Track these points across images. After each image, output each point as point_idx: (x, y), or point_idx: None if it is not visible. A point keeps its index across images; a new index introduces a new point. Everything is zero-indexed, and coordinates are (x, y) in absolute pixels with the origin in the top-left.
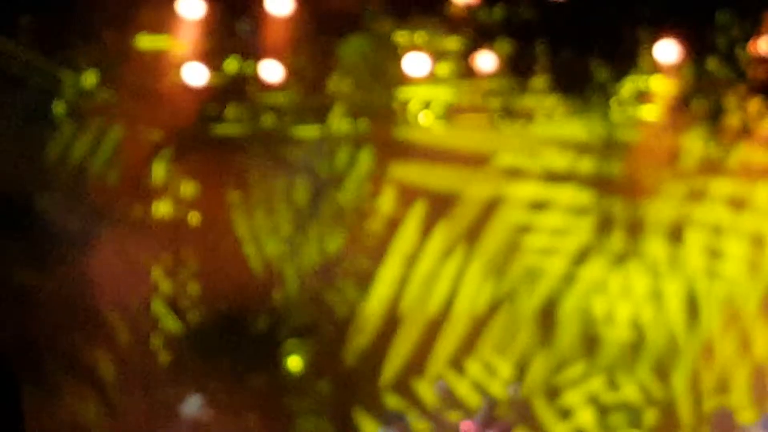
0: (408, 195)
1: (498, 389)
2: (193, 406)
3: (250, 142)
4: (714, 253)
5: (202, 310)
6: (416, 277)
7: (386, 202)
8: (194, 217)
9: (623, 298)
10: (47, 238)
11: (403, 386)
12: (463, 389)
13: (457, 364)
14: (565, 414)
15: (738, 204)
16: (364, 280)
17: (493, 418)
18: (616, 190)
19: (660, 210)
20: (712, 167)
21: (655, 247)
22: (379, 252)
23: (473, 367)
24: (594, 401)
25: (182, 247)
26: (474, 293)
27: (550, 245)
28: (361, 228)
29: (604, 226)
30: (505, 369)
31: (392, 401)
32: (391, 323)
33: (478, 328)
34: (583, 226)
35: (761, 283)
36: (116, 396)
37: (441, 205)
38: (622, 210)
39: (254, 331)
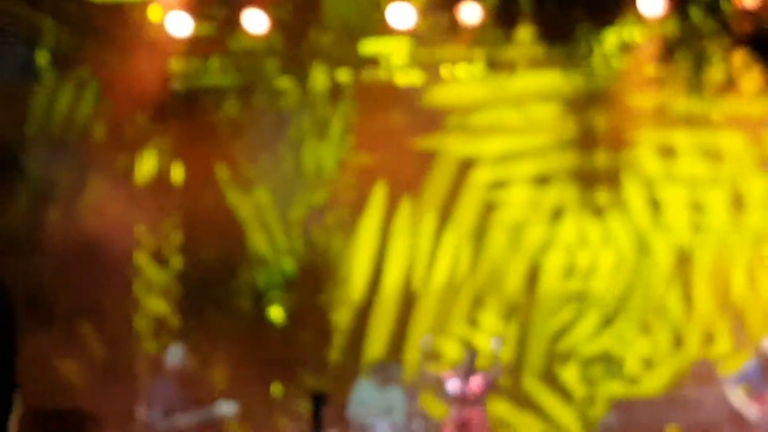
0: (390, 147)
1: (482, 343)
2: (175, 356)
3: (234, 92)
4: (695, 206)
5: (185, 261)
6: (398, 232)
7: (367, 154)
8: (177, 169)
9: (605, 250)
10: (32, 191)
11: (390, 347)
12: (450, 347)
13: (441, 324)
14: (549, 367)
15: (719, 156)
16: (347, 233)
17: (474, 369)
18: (598, 141)
19: (641, 162)
20: (694, 119)
21: (636, 198)
22: (360, 205)
23: (459, 326)
24: (576, 354)
25: (166, 199)
26: (455, 252)
27: (530, 199)
28: (343, 180)
29: (586, 178)
30: (490, 324)
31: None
32: (377, 280)
33: (459, 288)
34: (564, 179)
35: (743, 234)
36: (100, 348)
37: (422, 158)
38: (603, 162)
39: (237, 282)
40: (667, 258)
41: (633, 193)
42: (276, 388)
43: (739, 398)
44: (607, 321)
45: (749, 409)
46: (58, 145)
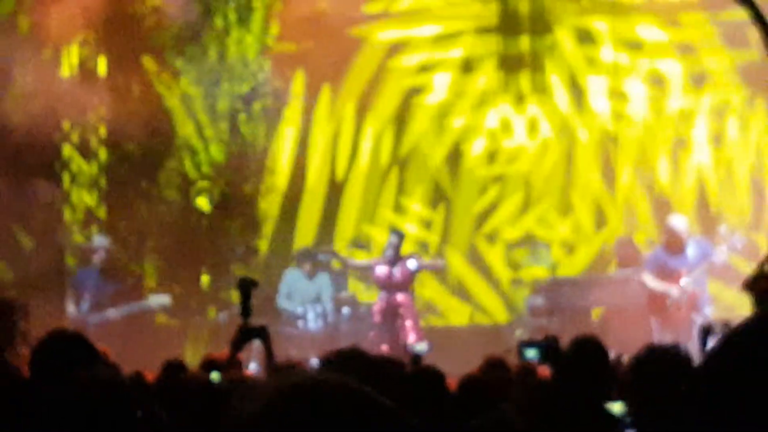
0: (307, 29)
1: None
2: (99, 246)
3: None
4: (616, 94)
5: (112, 153)
6: (319, 121)
7: (289, 41)
8: (103, 61)
9: (528, 134)
10: None
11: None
12: (377, 235)
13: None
14: (475, 250)
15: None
16: (272, 121)
17: (400, 255)
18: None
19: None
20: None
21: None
22: (285, 91)
23: (386, 213)
24: (500, 237)
25: (92, 91)
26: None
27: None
28: (266, 69)
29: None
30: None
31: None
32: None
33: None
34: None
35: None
36: (29, 242)
37: (346, 46)
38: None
39: (165, 173)
40: (590, 142)
41: (556, 78)
42: (205, 279)
43: (653, 282)
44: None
45: (668, 289)
46: None
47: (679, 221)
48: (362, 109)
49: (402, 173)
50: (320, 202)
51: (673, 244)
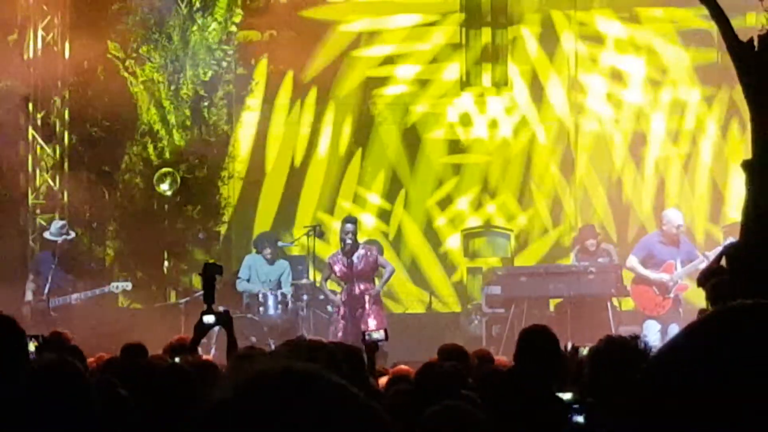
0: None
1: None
2: (56, 231)
3: None
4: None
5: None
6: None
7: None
8: (68, 45)
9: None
10: None
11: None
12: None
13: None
14: (437, 239)
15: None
16: (235, 108)
17: (357, 245)
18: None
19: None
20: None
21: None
22: (248, 81)
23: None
24: (461, 222)
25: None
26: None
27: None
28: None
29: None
30: (375, 199)
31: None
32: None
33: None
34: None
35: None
36: None
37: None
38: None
39: (128, 158)
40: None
41: (516, 71)
42: (167, 264)
43: (643, 270)
44: (490, 194)
45: (661, 277)
46: None
47: (676, 214)
48: (323, 98)
49: (362, 161)
50: (280, 188)
51: (669, 235)
